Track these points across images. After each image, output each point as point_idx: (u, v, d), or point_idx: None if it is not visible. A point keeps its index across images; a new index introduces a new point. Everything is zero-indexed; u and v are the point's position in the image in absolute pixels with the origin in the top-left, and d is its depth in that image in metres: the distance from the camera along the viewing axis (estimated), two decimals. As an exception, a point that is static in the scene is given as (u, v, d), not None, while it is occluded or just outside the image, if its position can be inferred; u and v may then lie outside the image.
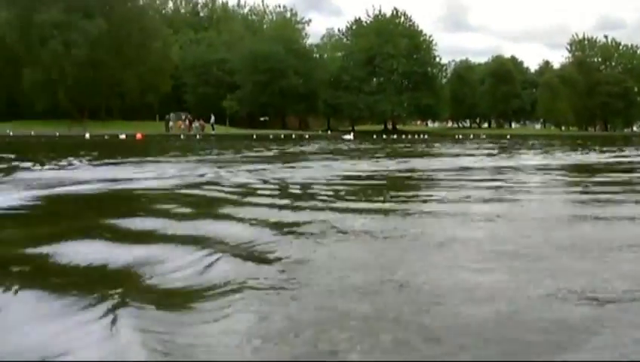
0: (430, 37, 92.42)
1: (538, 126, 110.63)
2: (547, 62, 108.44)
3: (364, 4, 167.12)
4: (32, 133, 55.24)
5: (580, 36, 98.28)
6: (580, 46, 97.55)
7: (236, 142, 33.56)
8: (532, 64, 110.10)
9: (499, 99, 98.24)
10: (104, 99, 73.56)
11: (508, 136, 55.68)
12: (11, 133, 54.25)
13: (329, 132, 75.42)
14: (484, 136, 58.20)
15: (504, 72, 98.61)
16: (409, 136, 58.12)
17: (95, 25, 66.74)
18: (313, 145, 28.55)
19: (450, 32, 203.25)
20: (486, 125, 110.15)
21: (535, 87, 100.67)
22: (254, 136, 51.29)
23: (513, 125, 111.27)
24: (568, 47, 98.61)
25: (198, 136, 52.89)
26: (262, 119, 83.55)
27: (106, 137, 48.80)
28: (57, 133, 55.91)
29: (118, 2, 73.01)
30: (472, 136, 57.80)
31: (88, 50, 65.89)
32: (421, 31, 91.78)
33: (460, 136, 57.81)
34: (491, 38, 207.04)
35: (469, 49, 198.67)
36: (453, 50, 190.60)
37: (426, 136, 58.47)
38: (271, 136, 52.55)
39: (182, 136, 50.90)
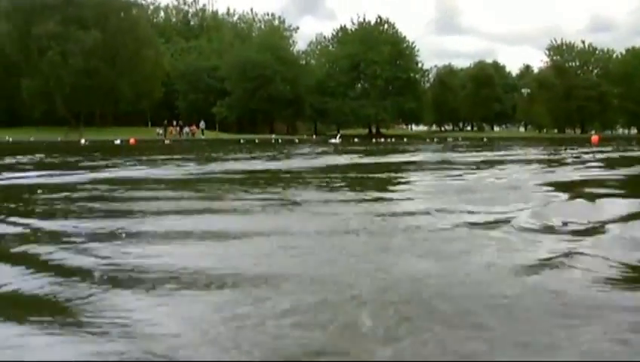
0: (413, 43, 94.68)
1: (522, 129, 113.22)
2: (527, 67, 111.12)
3: (358, 8, 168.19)
4: (32, 139, 57.53)
5: (559, 41, 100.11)
6: (558, 51, 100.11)
7: (224, 146, 35.12)
8: (519, 67, 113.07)
9: (479, 103, 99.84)
10: (99, 106, 75.70)
11: (484, 139, 57.87)
12: (11, 140, 56.32)
13: (314, 136, 75.50)
14: (459, 139, 61.00)
15: (485, 77, 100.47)
16: (390, 140, 58.49)
17: (90, 36, 69.53)
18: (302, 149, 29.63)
19: (441, 35, 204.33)
20: (469, 128, 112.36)
21: (516, 91, 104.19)
22: (241, 141, 52.11)
23: (496, 128, 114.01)
24: (547, 52, 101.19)
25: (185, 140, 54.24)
26: None
27: (84, 142, 50.91)
28: (59, 139, 58.34)
29: (112, 13, 75.24)
30: (450, 139, 60.51)
31: (84, 60, 68.73)
32: (404, 37, 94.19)
33: (435, 139, 59.97)
34: (483, 41, 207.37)
35: (461, 52, 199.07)
36: (443, 53, 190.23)
37: (405, 140, 59.51)
38: (257, 141, 53.01)
39: (166, 141, 51.84)
